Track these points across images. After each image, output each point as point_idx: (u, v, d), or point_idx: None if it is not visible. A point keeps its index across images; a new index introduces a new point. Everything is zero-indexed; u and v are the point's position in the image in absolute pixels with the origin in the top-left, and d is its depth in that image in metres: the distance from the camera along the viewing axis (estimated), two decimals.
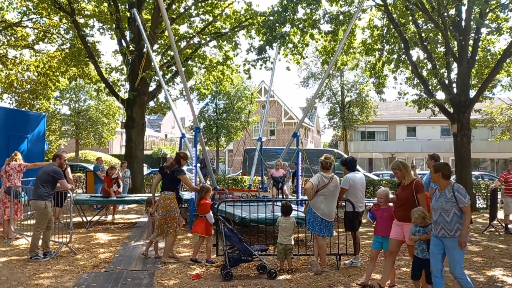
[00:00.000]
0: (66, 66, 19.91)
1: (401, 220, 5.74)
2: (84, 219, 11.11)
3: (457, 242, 4.96)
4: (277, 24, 12.64)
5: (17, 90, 22.59)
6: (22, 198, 9.20)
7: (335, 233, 7.16)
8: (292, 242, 6.80)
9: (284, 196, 12.79)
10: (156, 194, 8.05)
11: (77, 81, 25.15)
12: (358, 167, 10.57)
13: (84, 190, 16.62)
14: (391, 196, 6.20)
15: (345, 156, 16.86)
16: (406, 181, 5.84)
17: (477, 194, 16.18)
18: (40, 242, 7.51)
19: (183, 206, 11.71)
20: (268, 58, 14.62)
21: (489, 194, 14.30)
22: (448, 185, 5.11)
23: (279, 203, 8.21)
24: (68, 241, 7.90)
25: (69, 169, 10.63)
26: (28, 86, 22.63)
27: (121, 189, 12.99)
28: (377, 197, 6.26)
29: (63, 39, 20.06)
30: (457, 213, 4.98)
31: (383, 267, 6.03)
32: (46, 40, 20.40)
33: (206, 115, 34.41)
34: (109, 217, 12.51)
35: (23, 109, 20.70)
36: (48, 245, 7.61)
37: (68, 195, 8.44)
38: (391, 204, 6.16)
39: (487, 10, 14.66)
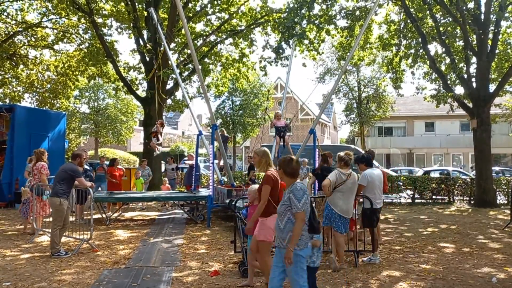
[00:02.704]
0: (85, 65, 20.26)
1: (261, 215, 5.21)
2: (104, 216, 11.29)
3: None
4: (293, 22, 12.58)
5: (38, 90, 23.08)
6: (45, 196, 9.37)
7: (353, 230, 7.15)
8: None
9: (286, 144, 12.17)
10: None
11: (96, 80, 25.54)
12: (375, 163, 10.50)
13: None
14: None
15: (363, 152, 16.79)
16: (261, 171, 5.41)
17: (497, 190, 15.93)
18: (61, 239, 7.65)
19: (201, 203, 11.84)
20: (285, 57, 14.54)
21: (510, 190, 14.09)
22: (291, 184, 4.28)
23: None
24: (89, 238, 8.06)
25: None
26: (48, 86, 23.10)
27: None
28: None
29: (82, 38, 20.40)
30: (292, 219, 4.14)
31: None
32: (65, 40, 20.80)
33: (223, 112, 34.55)
34: (128, 214, 12.69)
35: (44, 108, 21.09)
36: (58, 243, 7.50)
37: (88, 192, 8.59)
38: None
39: (507, 3, 14.39)
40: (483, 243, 8.74)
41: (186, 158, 16.43)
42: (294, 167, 4.40)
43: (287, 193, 4.24)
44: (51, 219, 7.64)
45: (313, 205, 4.26)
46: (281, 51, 13.19)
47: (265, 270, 5.27)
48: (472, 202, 15.86)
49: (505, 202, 15.57)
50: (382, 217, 8.06)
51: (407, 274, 6.38)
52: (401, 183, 16.77)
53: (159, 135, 13.22)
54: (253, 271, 5.83)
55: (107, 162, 14.38)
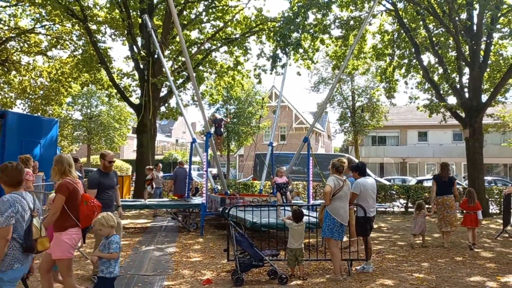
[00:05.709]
0: (78, 72, 20.12)
1: (56, 230, 4.80)
2: None
3: None
4: (289, 30, 12.62)
5: (30, 96, 22.93)
6: None
7: (345, 238, 7.13)
8: (302, 246, 6.77)
9: (288, 202, 12.38)
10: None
11: (89, 86, 25.43)
12: (369, 171, 10.52)
13: None
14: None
15: (356, 161, 16.81)
16: (56, 180, 4.98)
17: (490, 199, 16.00)
18: None
19: (194, 211, 11.77)
20: (281, 65, 14.52)
21: (502, 200, 14.13)
22: None
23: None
24: (80, 245, 7.95)
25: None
26: (41, 92, 22.95)
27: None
28: None
29: (76, 45, 20.31)
30: None
31: None
32: (58, 47, 20.69)
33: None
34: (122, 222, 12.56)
35: (36, 115, 20.95)
36: None
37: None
38: None
39: (499, 14, 14.55)
40: (475, 252, 8.75)
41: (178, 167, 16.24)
42: (9, 174, 3.99)
43: None
44: None
45: (33, 219, 3.90)
46: (277, 59, 13.19)
47: None
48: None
49: (497, 211, 15.63)
50: (375, 226, 8.03)
51: (400, 283, 6.36)
52: (394, 192, 16.80)
53: (153, 182, 13.61)
54: None
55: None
